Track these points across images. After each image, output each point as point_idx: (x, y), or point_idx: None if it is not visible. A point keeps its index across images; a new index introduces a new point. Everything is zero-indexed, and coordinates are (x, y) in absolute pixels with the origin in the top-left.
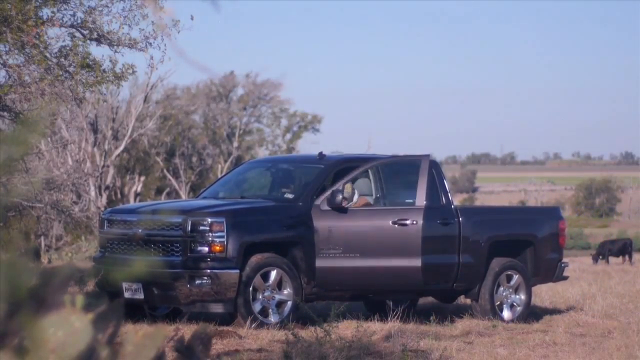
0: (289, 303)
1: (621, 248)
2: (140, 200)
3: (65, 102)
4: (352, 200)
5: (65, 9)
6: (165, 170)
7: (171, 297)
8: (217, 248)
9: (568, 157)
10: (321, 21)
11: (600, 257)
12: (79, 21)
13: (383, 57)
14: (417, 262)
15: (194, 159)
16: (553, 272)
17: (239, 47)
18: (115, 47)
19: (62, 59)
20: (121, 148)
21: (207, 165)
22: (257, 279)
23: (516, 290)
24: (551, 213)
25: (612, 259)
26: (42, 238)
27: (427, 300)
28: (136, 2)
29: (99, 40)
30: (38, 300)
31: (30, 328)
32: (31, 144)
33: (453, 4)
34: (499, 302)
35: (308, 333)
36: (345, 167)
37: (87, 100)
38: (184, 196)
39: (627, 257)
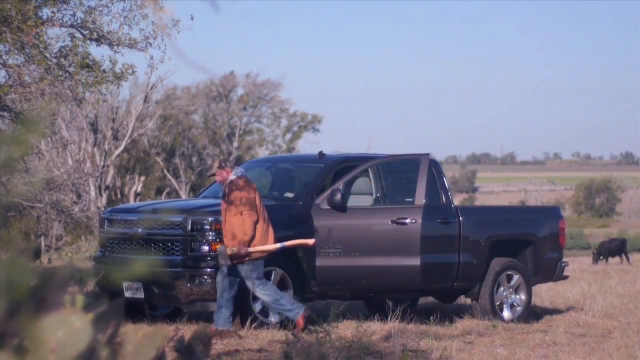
0: None
1: (617, 247)
2: (140, 200)
3: (65, 102)
4: None
5: (65, 9)
6: (165, 170)
7: (172, 296)
8: (218, 247)
9: (568, 157)
10: (321, 21)
11: (601, 257)
12: (79, 21)
13: (383, 57)
14: (416, 261)
15: (194, 159)
16: (553, 272)
17: (239, 47)
18: (115, 47)
19: (62, 59)
20: (121, 148)
21: (207, 165)
22: None
23: (516, 290)
24: (551, 212)
25: (610, 259)
26: (42, 238)
27: (427, 300)
28: (136, 2)
29: (99, 40)
30: (38, 300)
31: (30, 328)
32: (31, 144)
33: (453, 4)
34: (499, 302)
35: (308, 333)
36: (345, 166)
37: (87, 100)
38: (184, 196)
39: (622, 256)
